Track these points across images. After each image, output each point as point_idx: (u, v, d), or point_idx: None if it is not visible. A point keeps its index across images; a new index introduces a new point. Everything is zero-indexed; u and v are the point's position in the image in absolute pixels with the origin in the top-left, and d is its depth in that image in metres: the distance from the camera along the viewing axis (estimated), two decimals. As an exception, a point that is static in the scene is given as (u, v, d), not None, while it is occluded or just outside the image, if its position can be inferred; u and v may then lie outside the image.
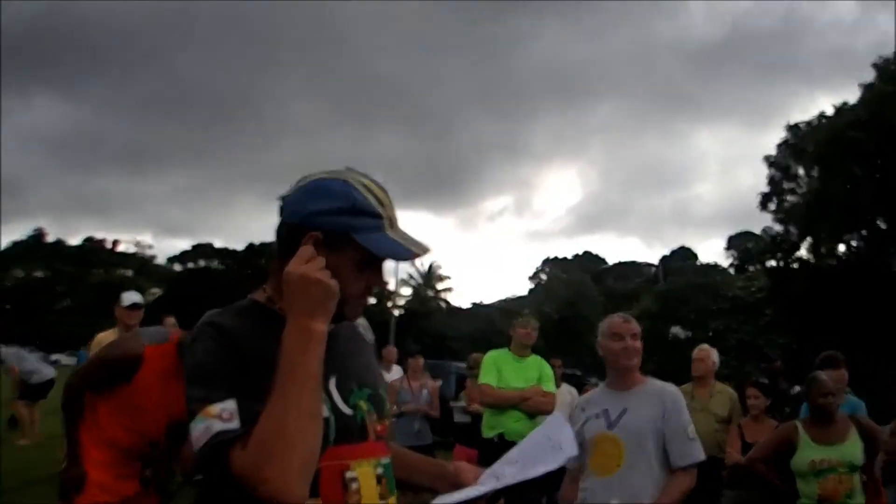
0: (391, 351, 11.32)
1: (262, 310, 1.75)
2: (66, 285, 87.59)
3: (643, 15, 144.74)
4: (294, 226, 1.69)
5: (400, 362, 10.95)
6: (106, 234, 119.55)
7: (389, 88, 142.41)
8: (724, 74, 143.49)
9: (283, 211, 1.74)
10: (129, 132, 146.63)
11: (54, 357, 61.66)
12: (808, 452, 4.78)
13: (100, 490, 3.61)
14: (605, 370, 3.93)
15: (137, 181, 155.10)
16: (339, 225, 1.67)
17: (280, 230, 1.74)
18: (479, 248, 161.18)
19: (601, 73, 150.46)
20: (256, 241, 79.55)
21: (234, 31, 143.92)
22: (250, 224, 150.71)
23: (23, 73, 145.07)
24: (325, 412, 1.63)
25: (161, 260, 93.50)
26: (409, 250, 1.73)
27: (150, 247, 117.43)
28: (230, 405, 1.56)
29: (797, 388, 6.57)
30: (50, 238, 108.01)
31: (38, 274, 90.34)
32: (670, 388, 3.82)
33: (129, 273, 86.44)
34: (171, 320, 7.70)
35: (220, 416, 1.55)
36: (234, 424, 1.53)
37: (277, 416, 1.48)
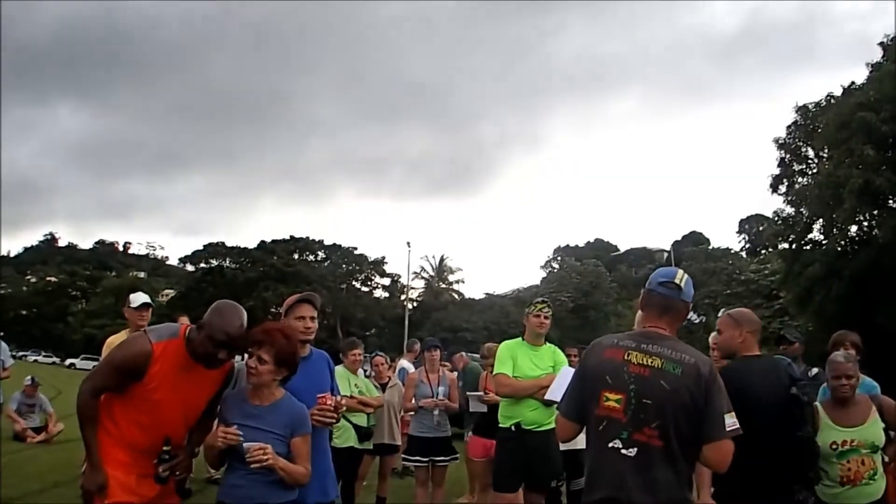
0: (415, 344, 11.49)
1: None
2: (81, 289, 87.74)
3: (667, 9, 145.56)
4: (691, 302, 3.35)
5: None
6: (124, 238, 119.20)
7: (415, 87, 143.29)
8: (742, 63, 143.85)
9: (686, 294, 3.32)
10: (154, 137, 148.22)
11: (69, 362, 62.48)
12: (829, 434, 4.76)
13: (123, 491, 3.59)
14: None
15: (160, 185, 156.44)
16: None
17: (680, 306, 3.32)
18: (493, 239, 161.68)
19: (622, 67, 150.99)
20: (268, 239, 79.59)
21: (261, 35, 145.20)
22: (271, 223, 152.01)
23: (47, 81, 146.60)
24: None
25: (173, 261, 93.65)
26: None
27: (162, 247, 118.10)
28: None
29: (814, 371, 6.52)
30: (62, 242, 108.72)
31: (52, 278, 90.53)
32: None
33: (143, 275, 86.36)
34: (184, 319, 7.72)
35: (735, 418, 3.11)
36: (738, 426, 3.11)
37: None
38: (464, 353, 10.85)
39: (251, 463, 3.53)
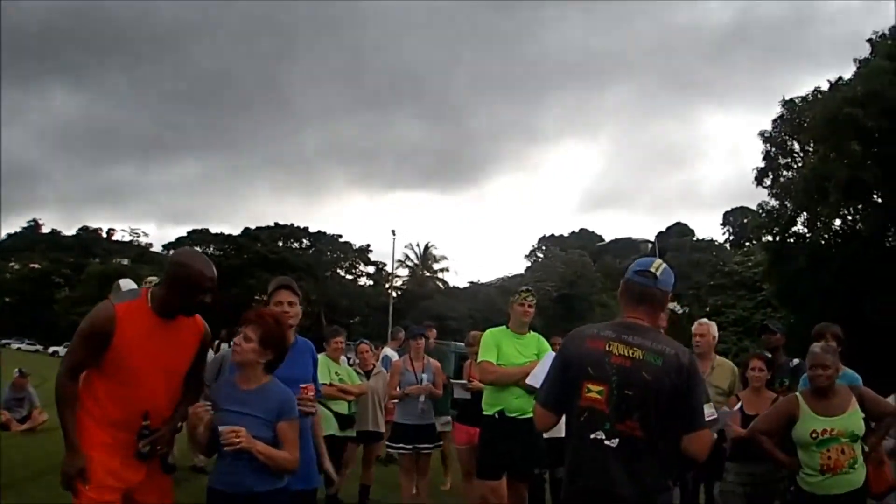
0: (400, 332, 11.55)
1: None
2: (65, 276, 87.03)
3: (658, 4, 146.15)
4: (669, 291, 3.36)
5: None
6: (109, 225, 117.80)
7: (408, 76, 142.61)
8: (733, 59, 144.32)
9: (662, 283, 3.31)
10: (145, 123, 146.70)
11: (53, 349, 62.07)
12: (810, 423, 4.81)
13: (106, 474, 3.50)
14: None
15: (149, 171, 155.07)
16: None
17: (657, 294, 3.32)
18: (480, 228, 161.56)
19: (615, 60, 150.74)
20: (252, 226, 79.23)
21: (254, 20, 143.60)
22: (257, 212, 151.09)
23: (39, 67, 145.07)
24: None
25: (157, 248, 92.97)
26: None
27: (146, 234, 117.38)
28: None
29: (795, 361, 6.59)
30: (45, 229, 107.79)
31: (36, 265, 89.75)
32: None
33: (126, 262, 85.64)
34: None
35: (714, 408, 3.28)
36: (717, 415, 3.36)
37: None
38: (434, 329, 10.86)
39: (224, 446, 3.49)
